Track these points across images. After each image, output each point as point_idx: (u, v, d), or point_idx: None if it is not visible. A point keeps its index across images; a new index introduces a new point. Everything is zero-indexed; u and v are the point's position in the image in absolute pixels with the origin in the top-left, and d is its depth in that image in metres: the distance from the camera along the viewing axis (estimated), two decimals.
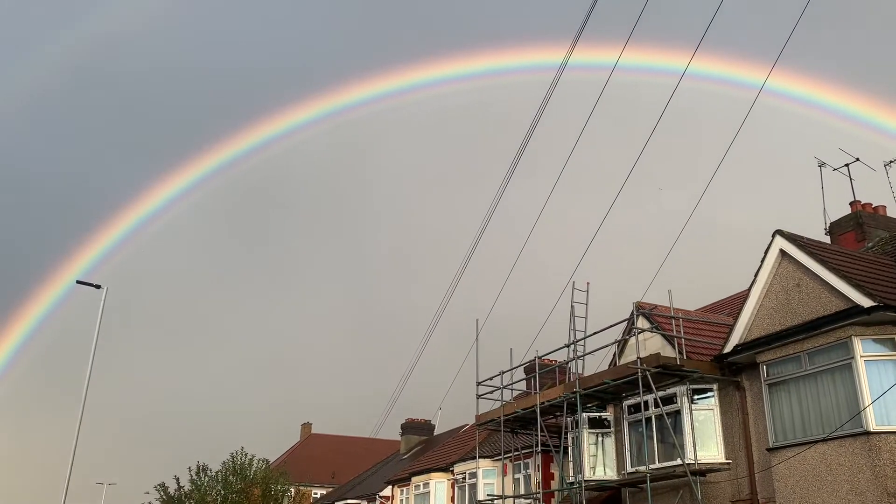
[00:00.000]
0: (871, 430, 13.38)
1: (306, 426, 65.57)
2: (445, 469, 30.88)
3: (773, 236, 15.92)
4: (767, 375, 15.68)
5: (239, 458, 14.43)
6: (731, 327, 16.74)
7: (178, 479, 14.07)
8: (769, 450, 15.28)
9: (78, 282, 33.38)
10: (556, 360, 24.41)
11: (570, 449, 20.94)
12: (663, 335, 18.17)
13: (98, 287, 32.15)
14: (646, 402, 17.88)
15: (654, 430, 17.66)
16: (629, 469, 18.56)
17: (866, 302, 13.59)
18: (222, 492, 13.99)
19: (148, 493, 14.15)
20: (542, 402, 20.57)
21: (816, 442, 14.25)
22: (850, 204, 19.96)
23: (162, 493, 14.06)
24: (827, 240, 19.77)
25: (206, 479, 14.14)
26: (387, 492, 37.02)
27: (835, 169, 20.22)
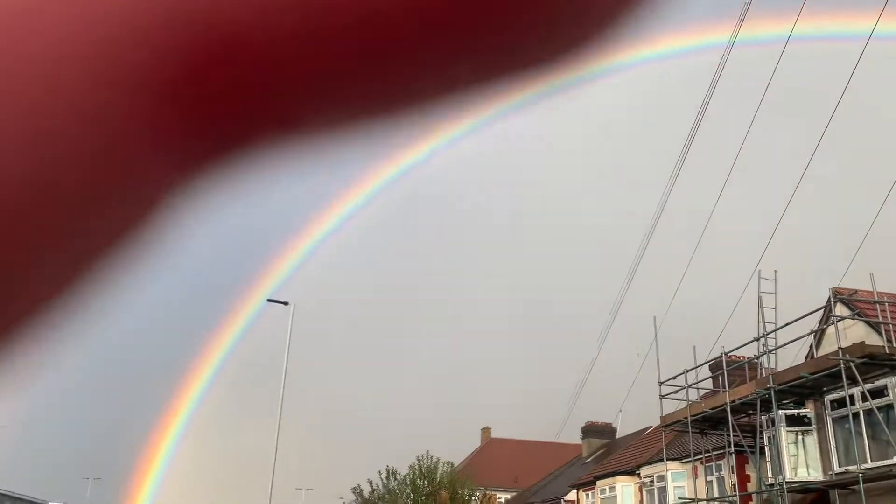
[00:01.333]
0: None
1: (486, 431, 66.29)
2: (631, 472, 30.01)
3: None
4: None
5: (425, 461, 14.92)
6: None
7: (371, 482, 14.86)
8: None
9: (268, 300, 36.10)
10: (743, 356, 22.97)
11: (766, 449, 19.62)
12: (867, 322, 16.56)
13: (286, 304, 34.57)
14: (851, 397, 16.36)
15: (864, 426, 16.12)
16: (837, 469, 17.07)
17: None
18: (412, 495, 14.49)
19: (342, 497, 15.03)
20: (733, 401, 19.44)
21: None
22: None
23: (358, 496, 14.82)
24: None
25: (396, 482, 14.75)
26: (572, 496, 36.56)
27: None
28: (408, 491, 14.63)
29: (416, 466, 14.87)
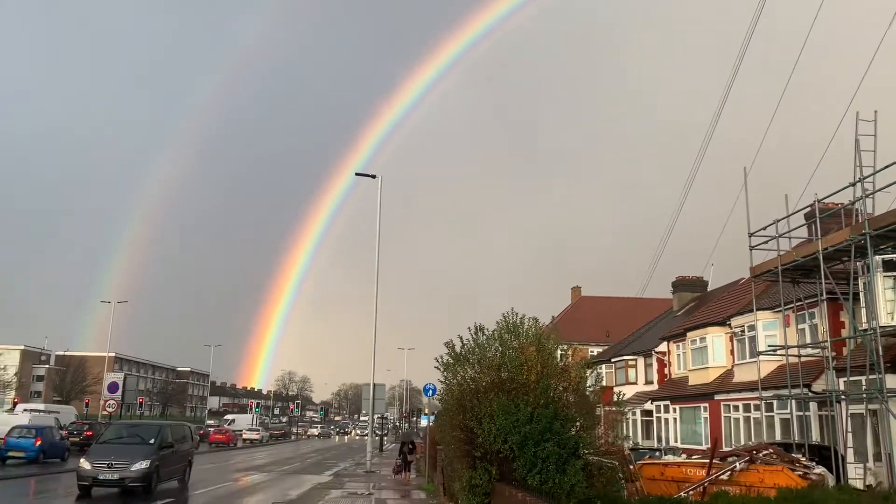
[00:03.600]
0: None
1: (576, 290, 67.33)
2: (722, 323, 30.19)
3: None
4: None
5: (511, 317, 15.58)
6: None
7: (461, 338, 15.66)
8: None
9: (356, 174, 36.99)
10: (839, 203, 22.09)
11: (861, 295, 19.30)
12: None
13: (374, 177, 35.35)
14: None
15: None
16: None
17: None
18: (500, 348, 15.27)
19: (439, 357, 15.97)
20: (826, 248, 19.00)
21: None
22: None
23: (451, 350, 15.77)
24: None
25: (484, 337, 15.54)
26: (662, 347, 37.29)
27: None
28: (496, 345, 15.41)
29: (503, 322, 15.56)
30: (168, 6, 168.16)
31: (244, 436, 69.48)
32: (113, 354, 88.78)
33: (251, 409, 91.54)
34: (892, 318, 18.01)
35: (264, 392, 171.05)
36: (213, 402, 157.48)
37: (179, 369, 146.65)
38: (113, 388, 32.80)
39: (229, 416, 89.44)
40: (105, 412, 39.67)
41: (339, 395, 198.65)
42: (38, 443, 29.16)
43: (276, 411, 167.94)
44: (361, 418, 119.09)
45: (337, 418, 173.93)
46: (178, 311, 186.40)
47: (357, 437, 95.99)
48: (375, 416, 35.58)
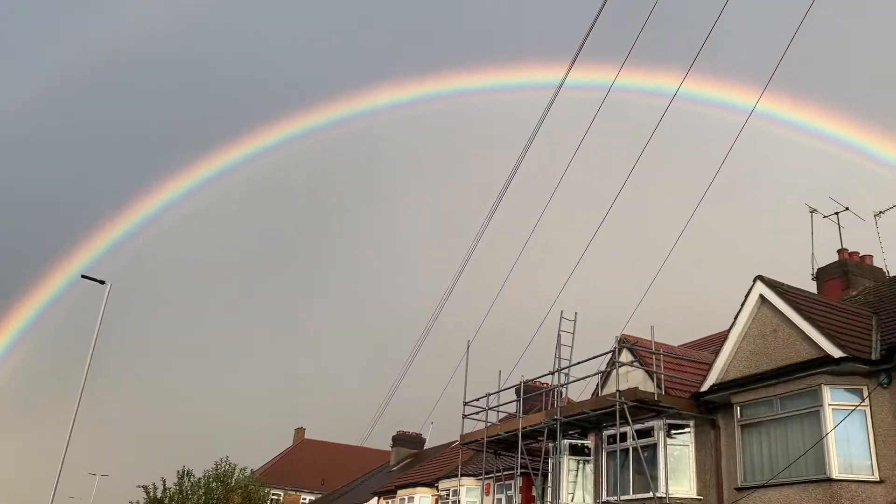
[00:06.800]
0: (834, 478, 13.78)
1: (300, 431, 65.92)
2: (430, 485, 31.29)
3: (754, 282, 16.38)
4: (741, 416, 16.09)
5: (222, 466, 15.00)
6: (710, 366, 17.17)
7: (164, 481, 14.65)
8: (738, 489, 15.68)
9: (83, 276, 34.10)
10: (546, 384, 24.75)
11: (550, 473, 21.36)
12: (645, 370, 18.59)
13: (102, 283, 32.82)
14: (623, 434, 18.30)
15: (631, 461, 18.05)
16: (605, 497, 18.93)
17: (837, 352, 14.02)
18: (204, 497, 14.51)
19: (139, 486, 14.69)
20: (525, 427, 21.01)
21: (782, 485, 14.65)
22: (838, 252, 20.36)
23: (148, 494, 14.60)
24: (813, 286, 20.18)
25: (189, 483, 14.69)
26: (373, 502, 37.43)
27: (825, 216, 20.68)
28: (201, 493, 14.63)
29: (213, 470, 14.89)
30: None
31: None
32: None
33: None
34: (572, 500, 20.09)
35: None
36: None
37: None
38: None
39: None
40: None
41: None
42: None
43: None
44: None
45: None
46: None
47: None
48: None
